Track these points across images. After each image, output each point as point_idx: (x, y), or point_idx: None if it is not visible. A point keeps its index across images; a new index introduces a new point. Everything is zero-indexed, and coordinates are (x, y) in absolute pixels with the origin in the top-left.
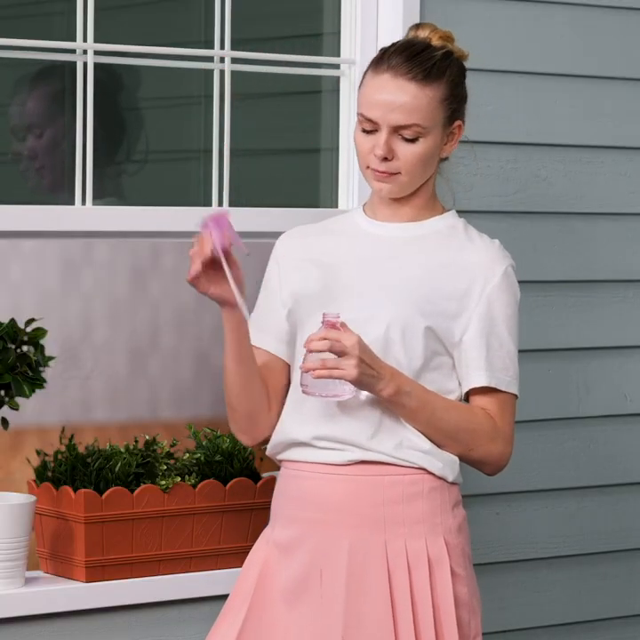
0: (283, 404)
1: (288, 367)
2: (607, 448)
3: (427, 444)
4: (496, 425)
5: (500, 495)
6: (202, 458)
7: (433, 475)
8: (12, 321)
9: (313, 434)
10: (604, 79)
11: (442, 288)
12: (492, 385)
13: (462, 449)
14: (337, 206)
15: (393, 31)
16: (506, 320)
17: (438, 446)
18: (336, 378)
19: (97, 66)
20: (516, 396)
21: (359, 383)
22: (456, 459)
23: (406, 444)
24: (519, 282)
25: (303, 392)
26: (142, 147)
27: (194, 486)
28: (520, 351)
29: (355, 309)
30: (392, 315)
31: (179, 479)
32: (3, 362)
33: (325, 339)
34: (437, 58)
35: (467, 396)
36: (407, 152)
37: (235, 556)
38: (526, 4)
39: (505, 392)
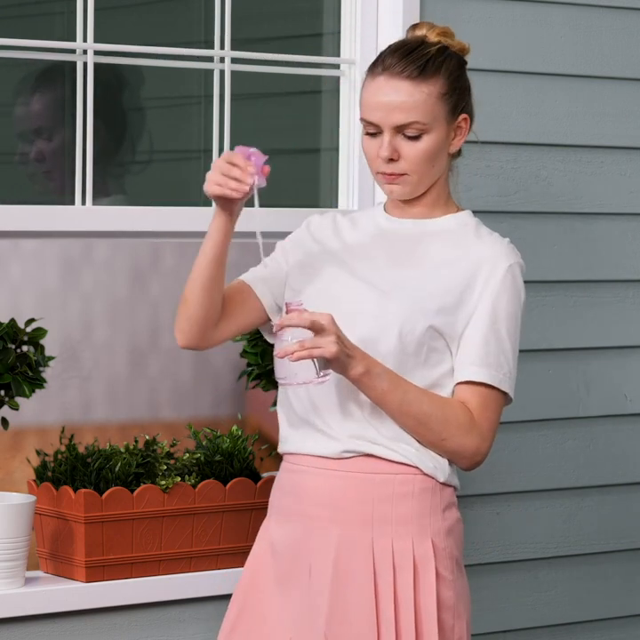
0: (231, 332)
1: (258, 307)
2: (607, 448)
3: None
4: (472, 419)
5: (500, 495)
6: (202, 458)
7: (424, 474)
8: (12, 321)
9: (310, 413)
10: (604, 79)
11: (444, 284)
12: (480, 380)
13: (435, 438)
14: (337, 206)
15: (393, 31)
16: (506, 318)
17: (411, 434)
18: (316, 357)
19: (97, 66)
20: (505, 394)
21: (336, 362)
22: (446, 460)
23: (402, 437)
24: None
25: (281, 384)
26: (143, 147)
27: (194, 486)
28: (520, 351)
29: (350, 302)
30: (388, 311)
31: (179, 479)
32: (3, 362)
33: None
34: (432, 53)
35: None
36: (412, 151)
37: (235, 556)
38: (526, 4)
39: (493, 388)
